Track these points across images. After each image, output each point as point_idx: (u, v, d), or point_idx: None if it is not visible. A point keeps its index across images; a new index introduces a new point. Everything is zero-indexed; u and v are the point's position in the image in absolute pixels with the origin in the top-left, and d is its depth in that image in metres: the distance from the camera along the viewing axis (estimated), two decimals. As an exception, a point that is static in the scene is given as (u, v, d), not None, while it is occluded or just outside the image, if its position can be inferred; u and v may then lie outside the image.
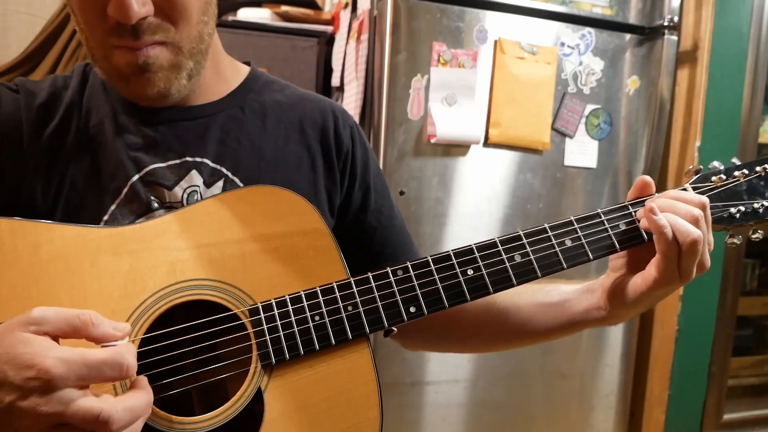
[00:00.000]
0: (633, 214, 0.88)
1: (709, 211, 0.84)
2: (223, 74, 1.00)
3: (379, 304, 0.82)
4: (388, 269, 0.84)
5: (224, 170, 0.95)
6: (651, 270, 0.84)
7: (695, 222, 0.81)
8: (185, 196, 0.92)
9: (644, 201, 0.88)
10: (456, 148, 2.07)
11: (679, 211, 0.82)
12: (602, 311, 0.93)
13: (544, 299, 0.99)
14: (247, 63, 1.07)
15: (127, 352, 0.65)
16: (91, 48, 0.87)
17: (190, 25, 0.86)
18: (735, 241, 0.92)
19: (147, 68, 0.84)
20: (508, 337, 1.04)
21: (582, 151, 2.22)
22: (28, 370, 0.60)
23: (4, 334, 0.63)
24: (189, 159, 0.94)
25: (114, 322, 0.68)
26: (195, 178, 0.93)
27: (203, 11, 0.88)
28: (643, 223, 0.85)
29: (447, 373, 2.18)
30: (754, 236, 0.92)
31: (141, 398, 0.67)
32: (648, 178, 0.89)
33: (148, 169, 0.92)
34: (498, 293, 0.86)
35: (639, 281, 0.86)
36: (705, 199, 0.85)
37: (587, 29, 2.17)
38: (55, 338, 0.64)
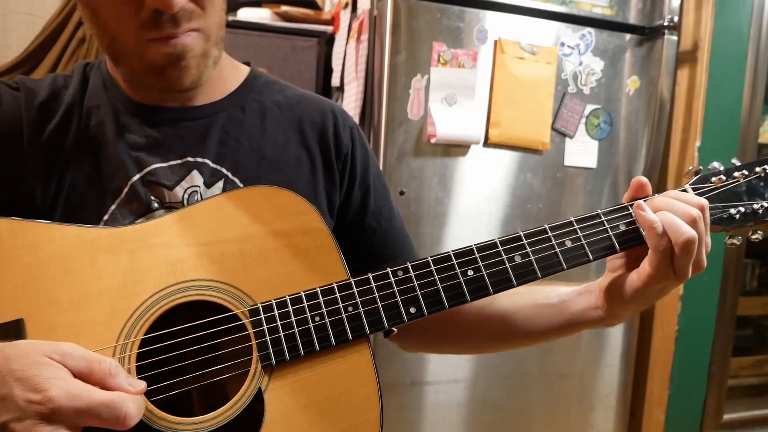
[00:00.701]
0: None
1: (708, 213, 0.84)
2: (224, 74, 1.00)
3: (380, 304, 0.82)
4: (389, 270, 0.84)
5: (224, 170, 0.94)
6: (645, 266, 0.84)
7: (693, 222, 0.81)
8: (186, 196, 0.92)
9: (645, 201, 0.88)
10: (456, 148, 2.07)
11: (676, 210, 0.83)
12: (600, 311, 0.93)
13: (543, 300, 0.99)
14: (247, 63, 1.07)
15: (132, 402, 0.65)
16: (118, 47, 0.86)
17: (215, 11, 0.88)
18: (734, 241, 0.92)
19: (182, 57, 0.85)
20: (507, 338, 1.04)
21: (582, 151, 2.22)
22: (34, 394, 0.61)
23: (29, 351, 0.64)
24: (190, 159, 0.94)
25: (131, 378, 0.69)
26: (196, 178, 0.93)
27: None
28: (638, 216, 0.85)
29: (447, 373, 2.18)
30: (753, 237, 0.92)
31: None
32: (644, 179, 0.89)
33: (149, 169, 0.92)
34: (497, 294, 0.86)
35: (635, 278, 0.86)
36: (704, 201, 0.85)
37: (587, 29, 2.17)
38: (74, 376, 0.65)
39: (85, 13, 0.86)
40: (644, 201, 0.87)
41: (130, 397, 0.66)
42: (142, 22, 0.81)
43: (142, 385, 0.70)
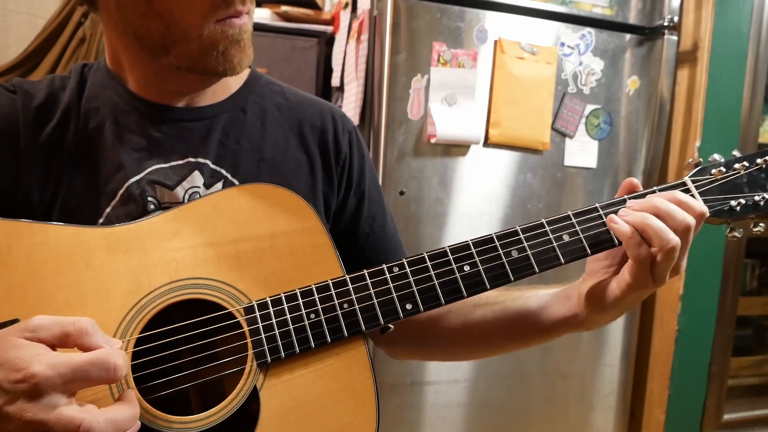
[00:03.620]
0: None
1: (701, 222, 0.84)
2: None
3: (375, 301, 0.81)
4: (384, 266, 0.84)
5: (224, 171, 0.94)
6: (625, 275, 0.83)
7: (687, 231, 0.80)
8: (186, 196, 0.92)
9: (644, 194, 0.87)
10: (456, 148, 2.07)
11: (675, 217, 0.81)
12: (579, 317, 0.92)
13: (522, 306, 0.98)
14: None
15: (115, 354, 0.64)
16: (176, 32, 0.86)
17: None
18: (736, 234, 0.91)
19: (240, 37, 0.88)
20: (489, 344, 1.04)
21: (582, 151, 2.22)
22: (16, 374, 0.60)
23: (2, 338, 0.63)
24: (192, 160, 0.94)
25: (108, 337, 0.69)
26: (197, 179, 0.93)
27: None
28: (613, 228, 0.84)
29: (447, 373, 2.18)
30: (755, 229, 0.90)
31: (125, 411, 0.66)
32: (634, 181, 0.89)
33: (150, 169, 0.91)
34: (478, 302, 0.85)
35: (614, 286, 0.85)
36: (705, 209, 0.83)
37: (587, 29, 2.17)
38: (52, 346, 0.64)
39: (135, 3, 0.85)
40: (636, 199, 0.86)
41: (112, 349, 0.65)
42: (210, 3, 0.83)
43: (119, 343, 0.70)
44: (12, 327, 0.65)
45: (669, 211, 0.82)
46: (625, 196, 0.88)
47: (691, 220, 0.81)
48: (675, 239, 0.79)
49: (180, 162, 0.93)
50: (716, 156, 0.91)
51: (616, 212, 0.86)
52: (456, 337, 1.04)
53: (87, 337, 0.65)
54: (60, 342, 0.65)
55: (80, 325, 0.65)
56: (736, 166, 0.90)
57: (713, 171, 0.90)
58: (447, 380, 2.18)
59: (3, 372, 0.61)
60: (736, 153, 0.91)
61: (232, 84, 1.01)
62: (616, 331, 2.37)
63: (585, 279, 0.92)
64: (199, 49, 0.86)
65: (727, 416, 2.70)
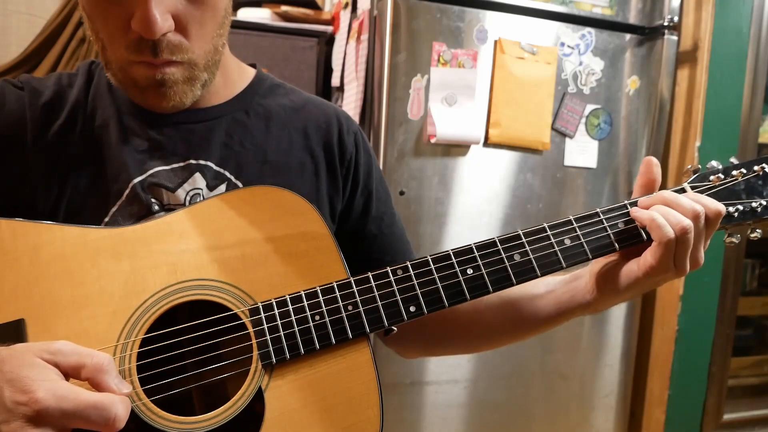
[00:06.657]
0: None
1: (719, 219, 0.85)
2: (230, 77, 1.00)
3: (379, 303, 0.82)
4: (388, 269, 0.84)
5: (227, 174, 0.94)
6: (647, 257, 0.84)
7: (696, 217, 0.81)
8: (188, 198, 0.92)
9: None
10: (456, 148, 2.07)
11: (682, 204, 0.83)
12: (588, 296, 0.92)
13: (530, 291, 0.99)
14: (253, 65, 1.07)
15: (121, 404, 0.64)
16: (108, 56, 0.86)
17: (205, 41, 0.86)
18: (734, 240, 0.92)
19: (164, 83, 0.85)
20: (500, 332, 1.04)
21: (582, 151, 2.22)
22: (21, 395, 0.60)
23: (22, 352, 0.63)
24: (193, 161, 0.93)
25: (120, 378, 0.68)
26: (198, 180, 0.93)
27: (219, 26, 0.88)
28: (636, 216, 0.86)
29: (447, 373, 2.18)
30: (752, 235, 0.92)
31: None
32: (653, 159, 0.90)
33: (151, 171, 0.91)
34: None
35: (634, 267, 0.86)
36: (722, 208, 0.85)
37: (587, 29, 2.17)
38: (66, 374, 0.64)
39: (84, 17, 0.86)
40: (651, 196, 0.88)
41: (118, 398, 0.65)
42: (128, 42, 0.81)
43: (129, 388, 0.68)
44: (35, 344, 0.65)
45: (676, 200, 0.84)
46: (626, 202, 0.89)
47: (698, 207, 0.82)
48: (686, 221, 0.81)
49: (181, 164, 0.93)
50: (714, 163, 0.92)
51: (617, 217, 0.88)
52: (467, 326, 1.04)
53: (100, 374, 0.65)
54: (74, 372, 0.65)
55: (98, 360, 0.65)
56: (734, 173, 0.91)
57: (711, 177, 0.91)
58: (447, 380, 2.18)
59: (10, 390, 0.60)
60: (734, 160, 0.93)
61: (236, 85, 1.01)
62: (616, 331, 2.37)
63: (597, 260, 0.92)
64: (124, 80, 0.86)
65: (727, 416, 2.70)
